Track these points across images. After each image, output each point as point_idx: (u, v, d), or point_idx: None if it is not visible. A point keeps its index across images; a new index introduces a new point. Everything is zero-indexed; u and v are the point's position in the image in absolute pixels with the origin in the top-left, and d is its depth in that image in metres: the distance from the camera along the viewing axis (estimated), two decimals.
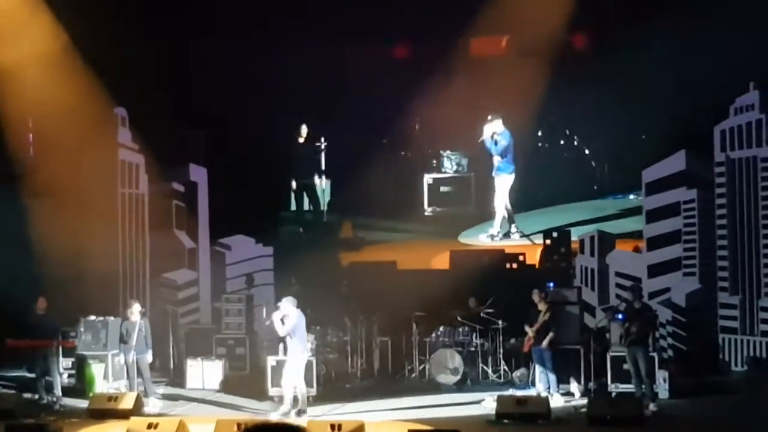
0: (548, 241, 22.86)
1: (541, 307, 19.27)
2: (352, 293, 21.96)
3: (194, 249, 24.13)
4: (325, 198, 25.56)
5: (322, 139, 25.21)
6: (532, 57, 22.91)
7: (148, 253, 23.42)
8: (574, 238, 22.89)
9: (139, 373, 18.97)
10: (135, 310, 19.15)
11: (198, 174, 24.20)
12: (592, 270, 22.34)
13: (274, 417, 16.84)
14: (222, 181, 23.89)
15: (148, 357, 19.11)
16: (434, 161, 26.41)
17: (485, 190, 24.64)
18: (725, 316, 21.30)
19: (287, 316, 17.73)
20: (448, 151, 26.21)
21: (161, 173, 23.65)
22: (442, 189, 26.04)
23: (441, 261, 23.86)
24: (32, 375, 19.69)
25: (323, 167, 25.26)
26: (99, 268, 22.18)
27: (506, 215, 23.76)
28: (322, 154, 25.29)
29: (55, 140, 21.48)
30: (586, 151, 25.96)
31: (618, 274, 22.12)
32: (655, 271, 21.97)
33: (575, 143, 26.13)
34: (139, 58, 21.15)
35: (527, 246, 23.59)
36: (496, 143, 23.29)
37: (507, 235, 23.92)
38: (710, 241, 21.56)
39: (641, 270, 22.01)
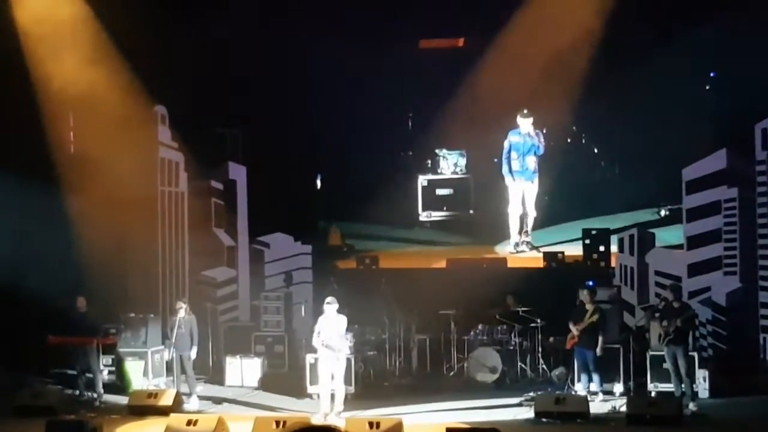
0: (587, 240, 22.74)
1: (589, 306, 19.12)
2: (390, 292, 21.95)
3: (233, 247, 24.23)
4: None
5: None
6: (561, 55, 21.96)
7: (187, 251, 23.56)
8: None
9: (183, 370, 19.05)
10: (178, 308, 19.22)
11: (237, 172, 24.29)
12: (632, 269, 22.24)
13: (316, 417, 16.84)
14: (261, 179, 23.93)
15: (192, 354, 19.15)
16: (429, 161, 24.19)
17: (485, 193, 23.19)
18: (766, 316, 21.15)
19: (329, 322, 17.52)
20: (445, 150, 23.95)
21: (200, 171, 23.77)
22: (438, 192, 23.98)
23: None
24: (73, 371, 19.82)
25: None
26: (139, 265, 22.35)
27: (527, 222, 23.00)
28: None
29: (95, 138, 21.60)
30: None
31: (658, 273, 22.02)
32: (695, 270, 21.84)
33: (600, 148, 24.06)
34: (178, 56, 21.23)
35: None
36: (532, 143, 21.47)
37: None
38: (751, 240, 21.41)
39: (681, 269, 21.88)
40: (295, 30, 22.65)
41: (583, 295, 19.26)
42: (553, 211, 23.02)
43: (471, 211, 23.97)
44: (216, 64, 22.17)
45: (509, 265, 22.89)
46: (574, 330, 19.00)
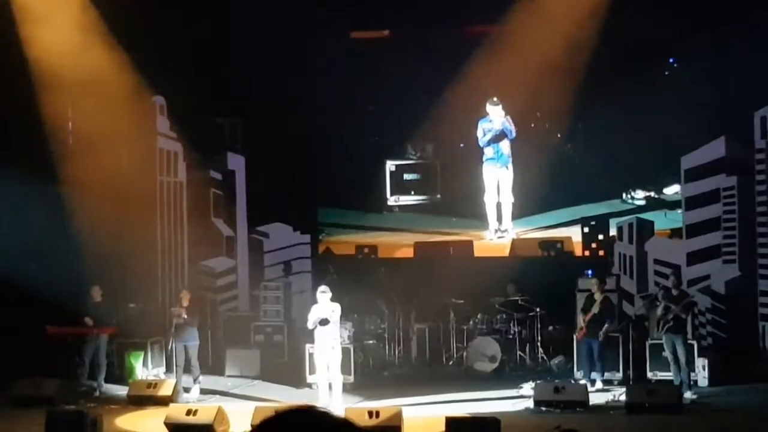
0: (586, 229, 22.72)
1: (597, 296, 19.12)
2: (389, 281, 21.94)
3: (232, 237, 24.20)
4: None
5: None
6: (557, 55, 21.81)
7: (186, 241, 23.52)
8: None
9: (186, 361, 19.02)
10: (181, 297, 19.25)
11: (236, 162, 24.24)
12: (631, 257, 22.22)
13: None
14: (260, 169, 23.91)
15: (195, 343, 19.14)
16: (397, 146, 24.56)
17: (451, 178, 23.54)
18: (765, 304, 21.14)
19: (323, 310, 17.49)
20: (411, 147, 24.34)
21: (199, 161, 23.73)
22: (406, 176, 24.29)
23: (406, 253, 23.59)
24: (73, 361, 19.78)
25: None
26: (138, 256, 22.31)
27: (504, 210, 22.91)
28: None
29: (93, 128, 21.58)
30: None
31: (657, 262, 21.99)
32: (694, 258, 21.81)
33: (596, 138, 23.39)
34: (177, 46, 21.20)
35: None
36: (503, 129, 22.17)
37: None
38: (750, 228, 21.38)
39: (680, 257, 21.86)
40: (292, 21, 22.65)
41: (592, 284, 19.28)
42: (536, 197, 23.02)
43: (438, 196, 24.08)
44: (214, 54, 22.15)
45: (497, 252, 22.90)
46: (582, 321, 18.99)
